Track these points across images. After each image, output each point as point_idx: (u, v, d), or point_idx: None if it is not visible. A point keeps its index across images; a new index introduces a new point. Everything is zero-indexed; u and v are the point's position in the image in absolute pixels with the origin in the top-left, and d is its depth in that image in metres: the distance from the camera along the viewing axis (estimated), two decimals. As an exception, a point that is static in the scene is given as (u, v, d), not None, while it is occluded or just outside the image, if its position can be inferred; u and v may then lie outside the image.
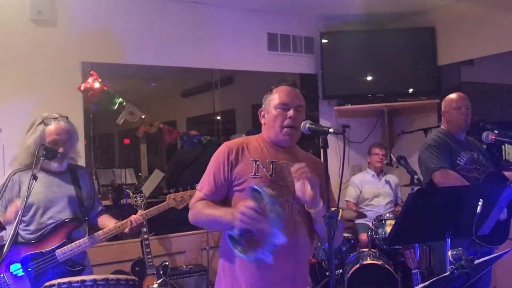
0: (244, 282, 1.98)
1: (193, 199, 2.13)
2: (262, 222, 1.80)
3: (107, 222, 2.81)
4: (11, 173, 2.68)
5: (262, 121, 2.17)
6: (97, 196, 2.96)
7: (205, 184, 2.09)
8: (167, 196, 3.09)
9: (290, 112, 2.06)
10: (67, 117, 2.74)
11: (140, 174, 5.98)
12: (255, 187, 1.86)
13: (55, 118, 2.67)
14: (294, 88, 2.15)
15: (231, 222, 1.87)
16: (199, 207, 2.06)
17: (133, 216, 2.78)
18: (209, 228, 2.06)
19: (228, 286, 2.04)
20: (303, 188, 1.92)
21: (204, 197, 2.08)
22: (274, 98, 2.11)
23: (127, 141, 6.33)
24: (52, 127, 2.64)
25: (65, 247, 2.61)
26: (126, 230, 2.76)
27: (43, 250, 2.60)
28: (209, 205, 2.04)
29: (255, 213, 1.80)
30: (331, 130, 1.87)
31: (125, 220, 2.76)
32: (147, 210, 2.88)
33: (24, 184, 2.63)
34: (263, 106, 2.17)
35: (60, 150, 2.63)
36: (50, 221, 2.64)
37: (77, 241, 2.64)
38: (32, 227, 2.62)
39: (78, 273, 2.62)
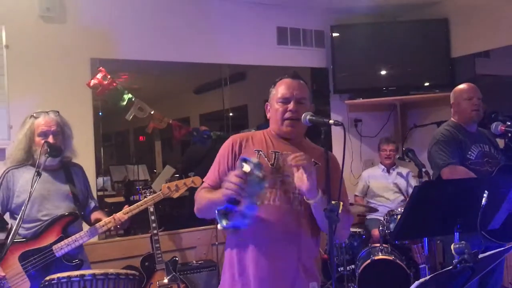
0: (245, 274, 1.98)
1: (198, 190, 2.15)
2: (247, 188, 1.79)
3: (100, 218, 2.77)
4: (4, 171, 2.69)
5: (268, 115, 2.19)
6: (90, 192, 2.94)
7: (210, 174, 2.14)
8: (162, 185, 3.08)
9: (290, 105, 2.06)
10: (58, 112, 2.75)
11: (155, 170, 5.99)
12: (244, 157, 1.86)
13: (45, 112, 2.70)
14: (295, 80, 2.12)
15: (221, 198, 1.88)
16: (200, 195, 2.10)
17: (117, 214, 2.73)
18: (210, 214, 2.04)
19: (230, 277, 2.03)
20: (301, 178, 1.90)
21: (207, 187, 2.11)
22: (276, 92, 2.12)
23: (142, 138, 6.35)
24: (40, 119, 2.66)
25: (62, 242, 2.60)
26: (111, 227, 2.73)
27: (40, 246, 2.58)
28: (209, 191, 2.07)
29: (239, 179, 1.79)
30: (331, 121, 1.87)
31: (108, 218, 2.72)
32: (131, 206, 2.79)
33: (18, 181, 2.65)
34: (269, 100, 2.19)
35: (50, 139, 2.61)
36: (46, 218, 2.63)
37: (74, 235, 2.63)
38: (27, 224, 2.60)
39: (77, 267, 2.61)
